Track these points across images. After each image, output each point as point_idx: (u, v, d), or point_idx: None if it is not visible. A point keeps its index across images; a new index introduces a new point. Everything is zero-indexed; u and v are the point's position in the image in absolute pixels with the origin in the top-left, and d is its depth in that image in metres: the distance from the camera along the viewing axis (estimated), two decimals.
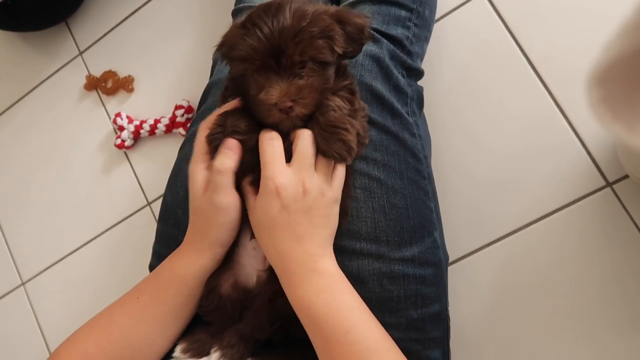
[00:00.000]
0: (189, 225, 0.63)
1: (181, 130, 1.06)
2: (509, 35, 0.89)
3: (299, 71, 0.54)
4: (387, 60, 0.69)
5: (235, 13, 0.84)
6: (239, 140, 0.58)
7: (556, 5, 0.87)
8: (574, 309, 0.81)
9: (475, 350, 0.85)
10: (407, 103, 0.71)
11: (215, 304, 0.63)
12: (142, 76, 1.13)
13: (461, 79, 0.91)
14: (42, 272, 1.16)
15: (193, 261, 0.62)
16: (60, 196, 1.17)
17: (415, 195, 0.67)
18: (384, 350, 0.55)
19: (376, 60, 0.69)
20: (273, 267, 0.59)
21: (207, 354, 0.62)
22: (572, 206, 0.83)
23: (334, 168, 0.60)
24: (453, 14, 0.94)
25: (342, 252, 0.62)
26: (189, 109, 1.06)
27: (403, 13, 0.75)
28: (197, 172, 0.60)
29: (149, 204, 1.09)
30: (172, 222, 0.73)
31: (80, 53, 1.19)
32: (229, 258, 0.64)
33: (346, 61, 0.63)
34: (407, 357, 0.57)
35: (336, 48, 0.55)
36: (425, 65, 0.80)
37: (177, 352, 0.63)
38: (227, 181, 0.57)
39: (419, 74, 0.77)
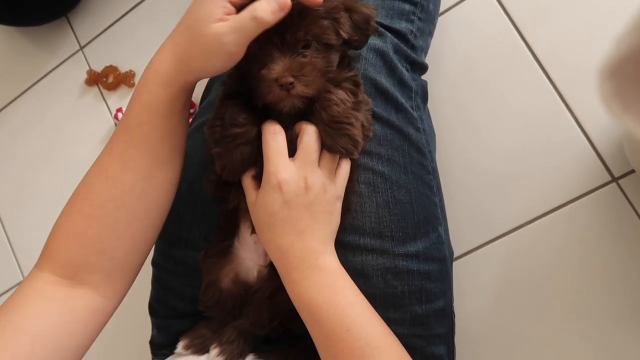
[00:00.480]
0: (173, 40, 0.58)
1: None
2: (513, 29, 0.89)
3: (303, 50, 0.54)
4: (391, 54, 0.69)
5: None
6: (237, 133, 0.56)
7: None
8: (579, 305, 0.81)
9: (479, 346, 0.84)
10: (412, 97, 0.70)
11: (215, 298, 0.63)
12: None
13: (465, 74, 0.91)
14: None
15: (161, 87, 0.56)
16: (62, 192, 1.15)
17: (419, 190, 0.66)
18: (386, 347, 0.55)
19: (380, 54, 0.68)
20: (274, 262, 0.59)
21: (209, 350, 0.61)
22: (578, 201, 0.82)
23: (337, 165, 0.59)
24: (457, 7, 0.93)
25: (346, 247, 0.62)
26: (191, 104, 1.05)
27: (407, 7, 0.74)
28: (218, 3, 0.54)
29: None
30: (172, 219, 0.72)
31: (81, 48, 1.19)
32: (229, 252, 0.64)
33: (351, 52, 0.62)
34: (411, 353, 0.57)
35: (341, 32, 0.55)
36: (429, 59, 0.80)
37: (179, 348, 0.63)
38: (252, 32, 0.51)
39: (423, 68, 0.76)
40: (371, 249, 0.62)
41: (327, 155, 0.58)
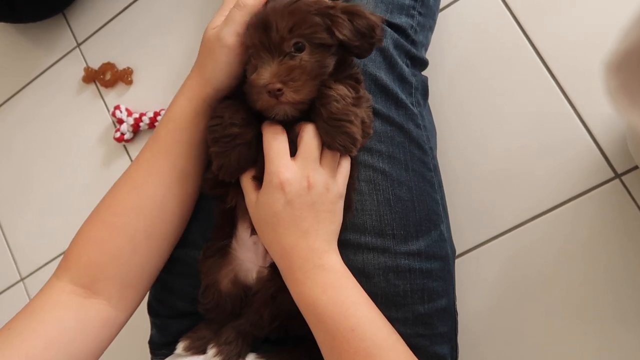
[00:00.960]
0: (197, 60, 0.62)
1: None
2: (515, 25, 0.88)
3: (295, 53, 0.52)
4: (391, 50, 0.68)
5: None
6: (236, 133, 0.56)
7: None
8: (582, 302, 0.80)
9: (481, 344, 0.84)
10: (412, 93, 0.70)
11: (215, 300, 0.62)
12: (141, 68, 1.12)
13: (467, 70, 0.90)
14: (41, 268, 1.15)
15: (186, 99, 0.61)
16: (60, 190, 1.16)
17: (421, 187, 0.66)
18: (391, 347, 0.55)
19: (380, 49, 0.67)
20: (276, 263, 0.58)
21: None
22: (581, 198, 0.82)
23: (338, 163, 0.59)
24: (458, 3, 0.92)
25: (347, 246, 0.61)
26: None
27: (407, 1, 0.73)
28: (222, 16, 0.60)
29: None
30: None
31: (78, 45, 1.18)
32: (227, 253, 0.63)
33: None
34: (414, 353, 0.56)
35: (337, 32, 0.53)
36: (429, 55, 0.79)
37: (179, 349, 0.63)
38: (240, 19, 0.55)
39: (423, 63, 0.75)
40: (372, 248, 0.62)
41: (328, 154, 0.57)
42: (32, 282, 1.16)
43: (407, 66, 0.70)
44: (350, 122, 0.55)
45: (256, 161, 0.58)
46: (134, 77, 1.12)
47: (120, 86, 1.13)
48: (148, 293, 0.74)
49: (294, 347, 0.65)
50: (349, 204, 0.61)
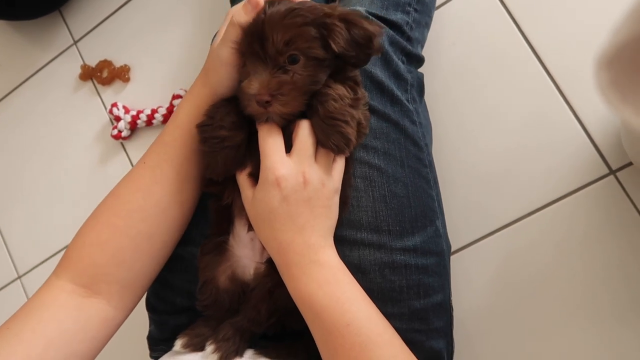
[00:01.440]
0: (204, 66, 0.63)
1: None
2: (512, 23, 0.88)
3: (290, 66, 0.52)
4: (387, 46, 0.68)
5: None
6: (224, 136, 0.56)
7: None
8: (577, 297, 0.81)
9: (476, 340, 0.84)
10: (407, 90, 0.70)
11: (212, 297, 0.63)
12: (139, 65, 1.12)
13: (462, 67, 0.90)
14: (38, 266, 1.16)
15: (193, 104, 0.61)
16: (57, 188, 1.16)
17: (416, 183, 0.66)
18: (386, 342, 0.55)
19: None
20: (273, 259, 0.59)
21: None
22: (575, 194, 0.82)
23: (333, 159, 0.59)
24: (455, 0, 0.92)
25: (343, 242, 0.62)
26: None
27: None
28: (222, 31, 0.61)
29: None
30: None
31: (75, 42, 1.18)
32: (224, 249, 0.64)
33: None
34: (410, 348, 0.56)
35: (332, 44, 0.52)
36: (425, 53, 0.79)
37: (178, 346, 0.62)
38: (233, 36, 0.55)
39: (419, 60, 0.75)
40: (368, 244, 0.62)
41: (323, 150, 0.57)
42: (29, 280, 1.16)
43: (403, 63, 0.70)
44: (346, 122, 0.55)
45: (245, 162, 0.59)
46: (131, 74, 1.12)
47: (118, 84, 1.13)
48: None
49: (291, 343, 0.65)
50: (344, 200, 0.61)
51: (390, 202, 0.63)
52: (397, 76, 0.69)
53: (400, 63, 0.69)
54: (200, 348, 0.62)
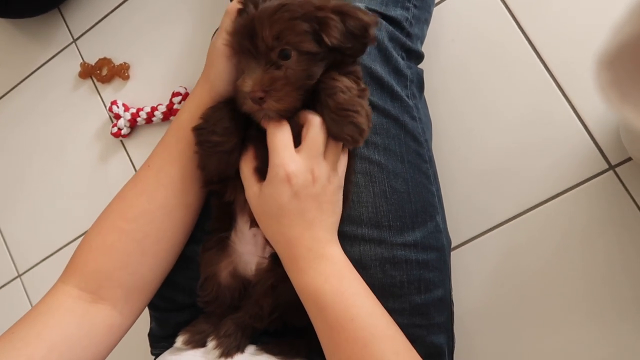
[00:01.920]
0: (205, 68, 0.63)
1: None
2: (512, 20, 0.88)
3: (282, 61, 0.52)
4: (386, 42, 0.68)
5: None
6: (216, 141, 0.57)
7: None
8: (577, 293, 0.81)
9: (476, 335, 0.84)
10: (407, 86, 0.70)
11: (214, 293, 0.63)
12: (138, 63, 1.12)
13: (462, 64, 0.90)
14: (38, 264, 1.15)
15: (195, 104, 0.61)
16: (56, 186, 1.16)
17: (416, 179, 0.66)
18: (389, 337, 0.55)
19: None
20: (278, 253, 0.59)
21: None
22: (575, 190, 0.82)
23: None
24: None
25: (344, 237, 0.62)
26: (186, 96, 1.05)
27: None
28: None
29: None
30: None
31: (74, 40, 1.18)
32: (226, 245, 0.64)
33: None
34: (411, 342, 0.57)
35: (325, 37, 0.52)
36: (425, 49, 0.79)
37: (179, 343, 0.63)
38: (228, 26, 0.56)
39: (419, 56, 0.75)
40: (369, 239, 0.62)
41: (331, 147, 0.58)
42: (29, 279, 1.16)
43: (403, 59, 0.70)
44: (357, 112, 0.54)
45: (232, 161, 0.59)
46: (131, 72, 1.12)
47: (117, 81, 1.13)
48: None
49: (293, 339, 0.65)
50: (345, 196, 0.61)
51: (391, 197, 0.63)
52: (397, 72, 0.69)
53: (399, 59, 0.69)
54: (202, 344, 0.62)
